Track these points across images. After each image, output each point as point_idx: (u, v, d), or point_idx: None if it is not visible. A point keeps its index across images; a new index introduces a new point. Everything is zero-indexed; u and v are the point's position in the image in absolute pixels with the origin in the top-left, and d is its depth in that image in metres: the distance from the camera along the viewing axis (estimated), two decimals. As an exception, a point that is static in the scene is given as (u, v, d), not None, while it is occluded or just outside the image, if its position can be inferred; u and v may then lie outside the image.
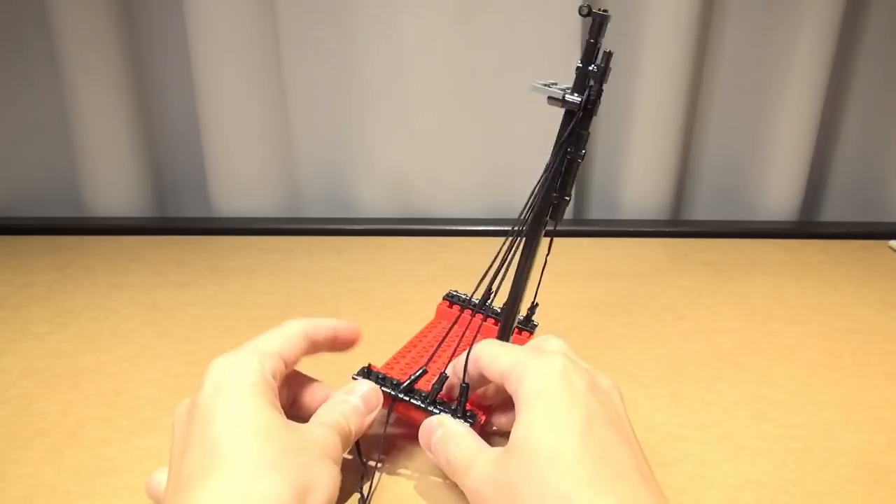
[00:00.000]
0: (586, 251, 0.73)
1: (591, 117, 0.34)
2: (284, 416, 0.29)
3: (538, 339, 0.36)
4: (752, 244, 0.75)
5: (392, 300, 0.59)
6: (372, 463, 0.36)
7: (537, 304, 0.45)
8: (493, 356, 0.32)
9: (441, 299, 0.49)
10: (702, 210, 0.89)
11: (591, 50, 0.33)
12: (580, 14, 0.32)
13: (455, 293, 0.48)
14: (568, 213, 0.83)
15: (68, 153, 0.82)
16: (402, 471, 0.36)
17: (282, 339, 0.32)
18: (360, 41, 0.77)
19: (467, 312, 0.46)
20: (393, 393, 0.35)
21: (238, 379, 0.28)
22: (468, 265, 0.67)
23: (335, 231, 0.79)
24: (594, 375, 0.30)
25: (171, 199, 0.89)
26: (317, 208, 0.87)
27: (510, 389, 0.30)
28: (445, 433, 0.32)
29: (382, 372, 0.36)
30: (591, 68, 0.33)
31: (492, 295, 0.37)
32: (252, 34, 0.76)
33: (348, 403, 0.32)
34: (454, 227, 0.79)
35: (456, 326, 0.40)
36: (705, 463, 0.37)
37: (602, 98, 0.33)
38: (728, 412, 0.42)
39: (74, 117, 0.79)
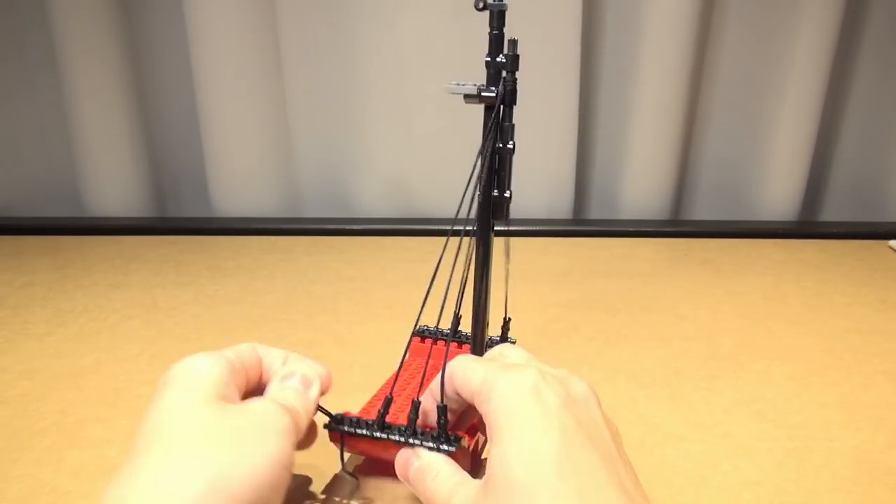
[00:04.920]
0: (586, 251, 0.73)
1: (511, 108, 0.33)
2: (230, 403, 0.29)
3: (496, 351, 0.33)
4: (752, 244, 0.75)
5: (392, 300, 0.59)
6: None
7: (510, 319, 0.40)
8: (465, 372, 0.29)
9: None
10: (701, 210, 0.89)
11: (496, 41, 0.32)
12: (476, 8, 0.31)
13: (426, 328, 0.43)
14: (568, 212, 0.84)
15: (68, 153, 0.82)
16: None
17: (245, 348, 0.33)
18: (360, 41, 0.77)
19: (440, 344, 0.41)
20: (368, 433, 0.32)
21: (186, 376, 0.29)
22: (468, 265, 0.67)
23: (335, 231, 0.79)
24: (567, 385, 0.28)
25: (171, 199, 0.89)
26: (317, 208, 0.87)
27: (480, 410, 0.28)
28: (422, 466, 0.30)
29: (357, 416, 0.34)
30: (499, 59, 0.32)
31: (459, 319, 0.34)
32: (252, 34, 0.76)
33: (289, 388, 0.32)
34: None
35: (427, 359, 0.36)
36: (704, 463, 0.37)
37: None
38: (728, 412, 0.42)
39: (74, 117, 0.79)
